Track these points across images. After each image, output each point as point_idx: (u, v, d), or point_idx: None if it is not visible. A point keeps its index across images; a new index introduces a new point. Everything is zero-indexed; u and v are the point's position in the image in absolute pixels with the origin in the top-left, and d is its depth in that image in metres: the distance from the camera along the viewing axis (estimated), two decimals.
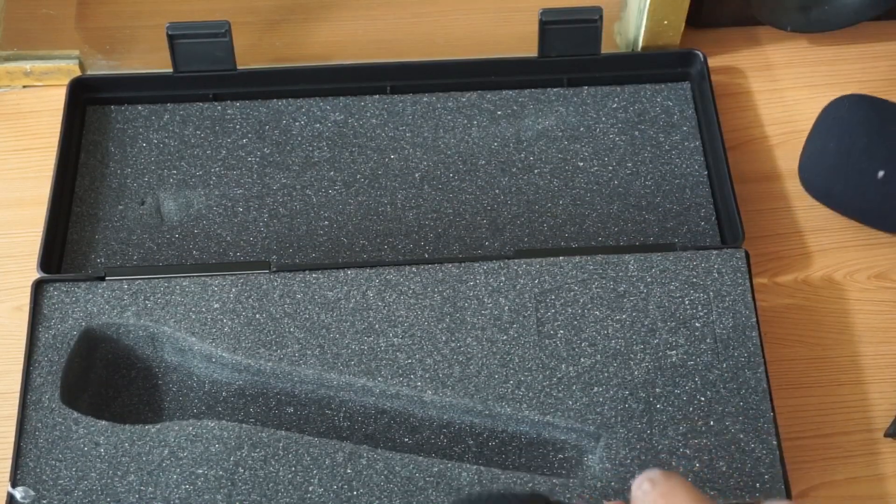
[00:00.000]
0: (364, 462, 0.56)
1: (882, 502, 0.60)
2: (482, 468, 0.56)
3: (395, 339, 0.60)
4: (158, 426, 0.57)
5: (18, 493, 0.56)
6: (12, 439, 0.58)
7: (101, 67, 0.75)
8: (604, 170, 0.69)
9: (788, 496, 0.56)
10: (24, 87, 0.74)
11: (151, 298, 0.61)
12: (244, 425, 0.57)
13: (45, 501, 0.56)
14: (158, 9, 0.77)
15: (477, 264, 0.62)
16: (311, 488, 0.55)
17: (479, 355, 0.59)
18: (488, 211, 0.68)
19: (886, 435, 0.61)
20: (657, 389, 0.58)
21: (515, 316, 0.60)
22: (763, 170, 0.71)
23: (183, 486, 0.55)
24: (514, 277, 0.61)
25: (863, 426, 0.62)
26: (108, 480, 0.56)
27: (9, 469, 0.57)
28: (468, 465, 0.56)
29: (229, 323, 0.60)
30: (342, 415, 0.60)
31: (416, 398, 0.58)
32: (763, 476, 0.56)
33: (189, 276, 0.62)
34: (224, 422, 0.57)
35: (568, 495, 0.55)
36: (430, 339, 0.59)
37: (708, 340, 0.59)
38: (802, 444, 0.61)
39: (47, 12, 0.77)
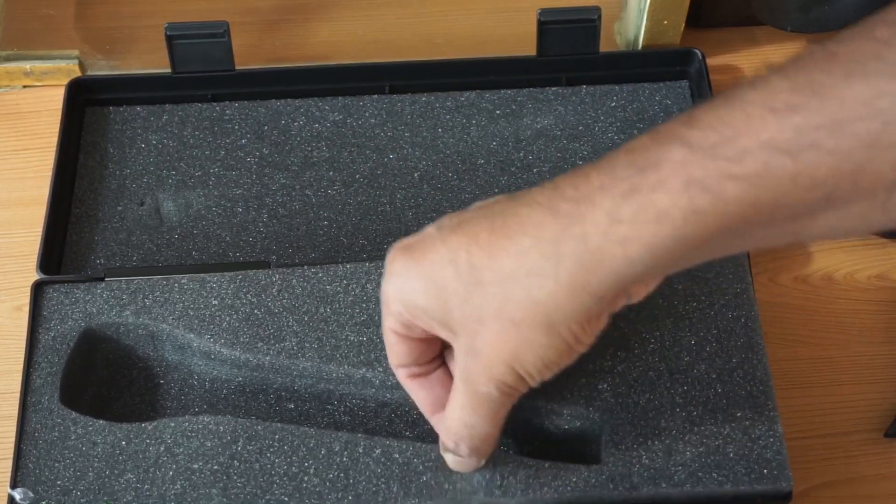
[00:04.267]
0: (361, 450, 0.56)
1: (882, 502, 0.59)
2: None
3: None
4: (154, 423, 0.57)
5: (18, 495, 0.56)
6: (12, 439, 0.57)
7: (101, 67, 0.75)
8: None
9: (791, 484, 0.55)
10: (24, 87, 0.75)
11: (150, 297, 0.61)
12: (240, 419, 0.57)
13: (44, 502, 0.56)
14: (158, 9, 0.77)
15: None
16: (306, 478, 0.55)
17: None
18: None
19: (886, 435, 0.61)
20: (662, 376, 0.58)
21: None
22: None
23: (178, 482, 0.55)
24: None
25: (863, 426, 0.61)
26: (106, 479, 0.56)
27: (8, 469, 0.57)
28: None
29: (228, 319, 0.60)
30: (343, 409, 0.60)
31: None
32: (770, 462, 0.55)
33: (188, 276, 0.62)
34: (219, 416, 0.57)
35: (573, 479, 0.54)
36: None
37: (713, 331, 0.59)
38: (803, 444, 0.60)
39: (47, 12, 0.78)
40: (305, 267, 0.62)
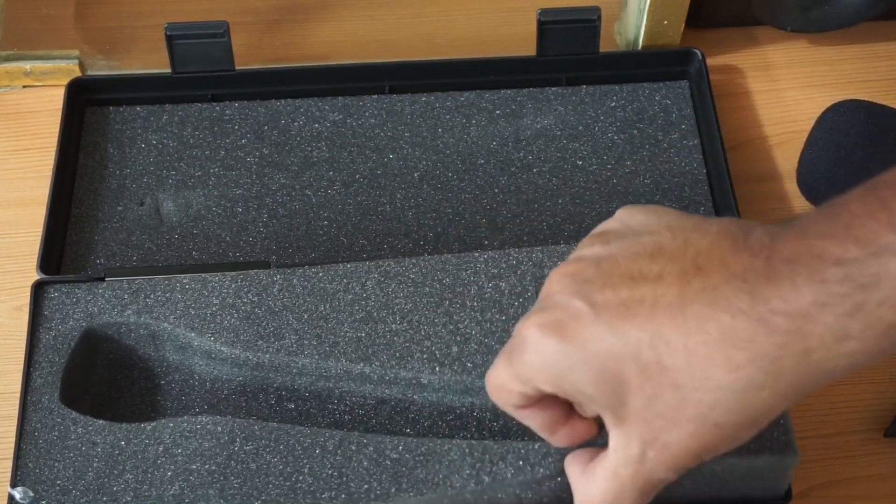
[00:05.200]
0: (354, 448, 0.56)
1: (882, 502, 0.59)
2: (473, 442, 0.55)
3: (393, 326, 0.59)
4: (154, 424, 0.57)
5: (17, 494, 0.56)
6: (12, 439, 0.57)
7: (101, 67, 0.75)
8: (602, 168, 0.69)
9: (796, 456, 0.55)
10: (24, 87, 0.75)
11: (151, 296, 0.61)
12: (237, 419, 0.57)
13: (43, 501, 0.56)
14: (158, 9, 0.77)
15: (477, 253, 0.61)
16: (300, 477, 0.55)
17: (478, 335, 0.59)
18: (487, 210, 0.68)
19: (886, 435, 0.61)
20: None
21: (516, 298, 0.60)
22: (762, 170, 0.71)
23: (177, 483, 0.55)
24: (514, 265, 0.61)
25: (863, 426, 0.62)
26: (105, 479, 0.56)
27: (9, 469, 0.57)
28: (458, 441, 0.56)
29: (228, 318, 0.60)
30: (343, 408, 0.60)
31: (414, 381, 0.58)
32: (773, 432, 0.54)
33: (189, 276, 0.62)
34: (218, 417, 0.57)
35: (566, 453, 0.53)
36: (429, 323, 0.59)
37: None
38: (803, 444, 0.60)
39: (47, 12, 0.78)
40: (306, 267, 0.62)
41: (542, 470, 0.54)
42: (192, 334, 0.60)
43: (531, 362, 0.46)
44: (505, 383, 0.48)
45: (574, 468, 0.50)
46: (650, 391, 0.44)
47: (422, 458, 0.55)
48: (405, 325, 0.59)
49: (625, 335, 0.44)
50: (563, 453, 0.54)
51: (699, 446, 0.44)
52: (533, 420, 0.49)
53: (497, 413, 0.59)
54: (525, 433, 0.58)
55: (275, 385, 0.61)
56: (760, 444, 0.54)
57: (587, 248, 0.48)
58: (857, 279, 0.41)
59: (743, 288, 0.42)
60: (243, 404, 0.60)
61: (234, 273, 0.62)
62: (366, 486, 0.55)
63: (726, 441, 0.45)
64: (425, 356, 0.58)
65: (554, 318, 0.45)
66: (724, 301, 0.42)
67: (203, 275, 0.62)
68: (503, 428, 0.59)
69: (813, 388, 0.43)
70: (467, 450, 0.55)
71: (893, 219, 0.41)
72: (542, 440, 0.55)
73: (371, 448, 0.56)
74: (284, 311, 0.60)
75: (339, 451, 0.56)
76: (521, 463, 0.54)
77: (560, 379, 0.46)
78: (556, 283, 0.47)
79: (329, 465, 0.56)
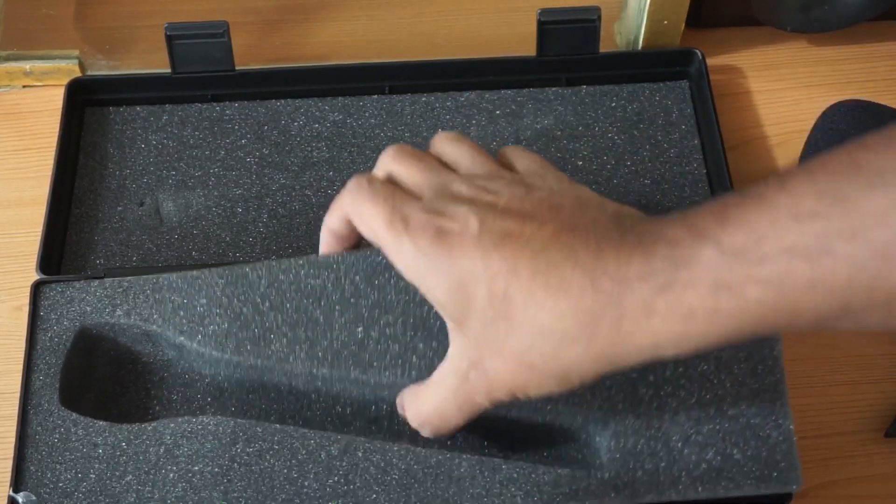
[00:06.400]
0: (360, 454, 0.56)
1: (882, 502, 0.59)
2: (483, 458, 0.56)
3: (386, 329, 0.59)
4: (154, 424, 0.57)
5: (21, 498, 0.56)
6: (12, 440, 0.57)
7: (101, 67, 0.75)
8: (602, 169, 0.69)
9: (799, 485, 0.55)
10: (24, 87, 0.75)
11: (140, 296, 0.60)
12: (239, 420, 0.57)
13: None
14: (158, 9, 0.77)
15: None
16: (306, 483, 0.55)
17: None
18: None
19: (887, 435, 0.61)
20: (667, 372, 0.56)
21: None
22: (762, 170, 0.71)
23: (180, 485, 0.55)
24: None
25: (863, 426, 0.62)
26: (107, 481, 0.56)
27: (8, 470, 0.57)
28: (468, 456, 0.56)
29: (217, 320, 0.59)
30: (339, 409, 0.60)
31: None
32: (779, 464, 0.55)
33: (177, 274, 0.61)
34: (220, 417, 0.57)
35: (574, 487, 0.54)
36: (423, 324, 0.59)
37: None
38: (802, 444, 0.60)
39: (47, 12, 0.78)
40: (291, 261, 0.59)
41: (550, 495, 0.54)
42: (182, 338, 0.59)
43: (405, 248, 0.49)
44: (366, 216, 0.51)
45: (408, 393, 0.55)
46: (490, 316, 0.48)
47: (431, 470, 0.55)
48: (399, 326, 0.59)
49: (491, 265, 0.47)
50: (566, 472, 0.54)
51: (512, 382, 0.49)
52: (333, 229, 0.55)
53: (496, 420, 0.58)
54: (530, 446, 0.58)
55: (269, 385, 0.60)
56: (765, 475, 0.54)
57: (503, 178, 0.51)
58: (674, 258, 0.44)
59: (593, 249, 0.46)
60: (245, 399, 0.60)
61: (220, 269, 0.60)
62: (373, 496, 0.55)
63: (535, 385, 0.48)
64: (422, 362, 0.58)
65: (444, 225, 0.48)
66: (574, 255, 0.46)
67: (191, 273, 0.60)
68: (504, 434, 0.58)
69: (623, 361, 0.47)
70: (477, 467, 0.55)
71: (724, 218, 0.44)
72: (551, 463, 0.55)
73: (377, 456, 0.56)
74: (272, 313, 0.59)
75: (344, 457, 0.56)
76: (529, 487, 0.54)
77: (419, 275, 0.49)
78: (469, 190, 0.50)
79: (335, 472, 0.55)
